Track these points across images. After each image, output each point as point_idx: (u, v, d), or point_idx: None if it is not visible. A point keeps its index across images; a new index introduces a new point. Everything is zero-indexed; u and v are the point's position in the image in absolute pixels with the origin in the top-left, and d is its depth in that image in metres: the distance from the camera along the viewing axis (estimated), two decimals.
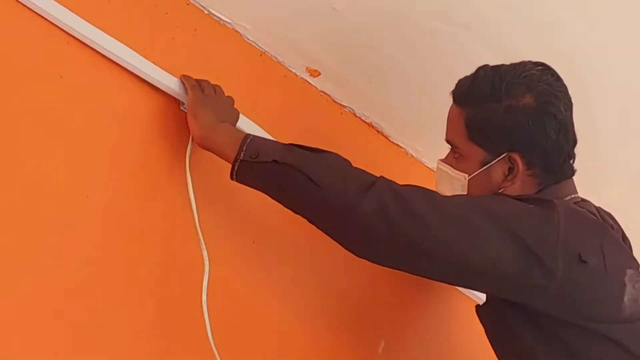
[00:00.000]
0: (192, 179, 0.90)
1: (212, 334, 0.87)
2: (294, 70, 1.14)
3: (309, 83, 1.17)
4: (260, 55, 1.09)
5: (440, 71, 1.12)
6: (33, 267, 0.76)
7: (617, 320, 0.85)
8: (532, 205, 0.86)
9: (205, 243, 0.88)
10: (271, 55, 1.10)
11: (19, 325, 0.74)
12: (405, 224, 0.81)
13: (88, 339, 0.81)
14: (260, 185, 0.88)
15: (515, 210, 0.85)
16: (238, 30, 1.04)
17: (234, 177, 0.86)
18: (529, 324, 0.87)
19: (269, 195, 0.88)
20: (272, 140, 0.92)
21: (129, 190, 0.89)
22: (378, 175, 0.85)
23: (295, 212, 0.88)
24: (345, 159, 0.87)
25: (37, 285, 0.76)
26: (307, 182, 0.83)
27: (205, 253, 0.88)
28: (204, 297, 0.87)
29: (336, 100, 1.21)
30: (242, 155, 0.84)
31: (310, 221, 0.88)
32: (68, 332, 0.79)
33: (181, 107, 0.92)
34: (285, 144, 0.88)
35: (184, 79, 0.91)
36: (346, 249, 0.87)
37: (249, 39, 1.06)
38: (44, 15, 0.78)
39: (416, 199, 0.83)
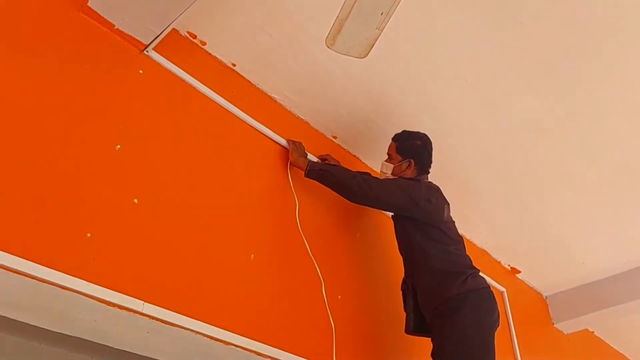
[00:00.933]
0: (291, 178, 2.37)
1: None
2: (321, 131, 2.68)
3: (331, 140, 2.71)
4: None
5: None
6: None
7: (442, 221, 2.29)
8: (413, 181, 2.33)
9: (297, 197, 2.32)
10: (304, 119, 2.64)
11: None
12: (367, 189, 2.24)
13: None
14: (316, 178, 2.29)
15: (405, 182, 2.29)
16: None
17: (306, 176, 2.30)
18: (413, 225, 2.28)
19: (319, 182, 2.32)
20: (318, 162, 2.41)
21: (263, 180, 2.36)
22: (355, 171, 2.34)
23: (330, 188, 2.31)
24: (344, 167, 2.36)
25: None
26: (332, 175, 2.27)
27: (296, 199, 2.32)
28: (299, 224, 2.33)
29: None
30: (308, 167, 2.30)
31: (335, 191, 2.30)
32: None
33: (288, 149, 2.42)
34: (323, 163, 2.38)
35: (289, 140, 2.41)
36: (349, 199, 2.29)
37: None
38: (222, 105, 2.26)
39: (370, 180, 2.30)
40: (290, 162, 2.35)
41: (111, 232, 1.65)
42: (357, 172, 2.31)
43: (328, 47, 1.53)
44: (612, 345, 4.67)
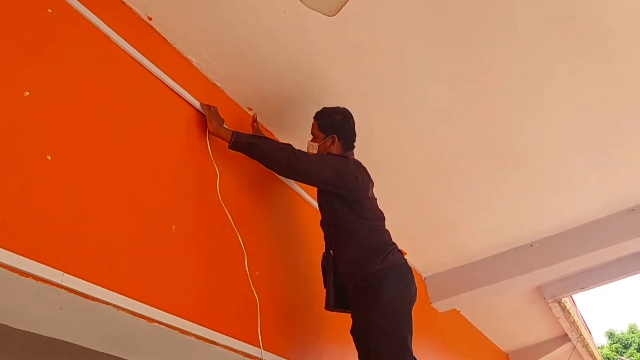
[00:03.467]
0: (210, 147, 2.18)
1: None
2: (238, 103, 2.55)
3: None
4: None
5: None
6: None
7: (367, 197, 2.28)
8: (340, 158, 2.29)
9: (217, 168, 2.13)
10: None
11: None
12: (296, 164, 2.14)
13: None
14: (242, 151, 2.15)
15: (333, 158, 2.25)
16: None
17: (230, 148, 2.14)
18: (339, 200, 2.23)
19: (245, 154, 2.17)
20: (243, 133, 2.23)
21: (180, 145, 2.14)
22: (283, 144, 2.24)
23: (256, 161, 2.18)
24: (271, 139, 2.25)
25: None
26: (260, 149, 2.14)
27: (217, 169, 2.12)
28: (219, 196, 2.15)
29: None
30: (233, 139, 2.13)
31: (262, 164, 2.19)
32: None
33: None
34: (249, 134, 2.23)
35: (203, 105, 2.24)
36: (276, 173, 2.23)
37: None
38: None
39: (300, 155, 2.18)
40: (209, 132, 2.19)
41: (23, 191, 1.40)
42: (286, 144, 2.23)
43: None
44: (473, 324, 5.11)
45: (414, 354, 2.03)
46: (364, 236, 2.18)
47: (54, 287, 1.37)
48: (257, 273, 2.06)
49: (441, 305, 4.33)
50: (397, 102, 2.66)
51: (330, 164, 2.21)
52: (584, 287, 4.66)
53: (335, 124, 2.34)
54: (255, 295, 1.95)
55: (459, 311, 4.80)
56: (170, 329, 1.67)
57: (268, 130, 2.69)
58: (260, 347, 1.84)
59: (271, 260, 2.26)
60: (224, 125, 2.22)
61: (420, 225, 3.66)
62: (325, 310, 2.23)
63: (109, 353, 1.74)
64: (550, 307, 4.86)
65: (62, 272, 1.39)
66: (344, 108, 2.40)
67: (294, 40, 2.26)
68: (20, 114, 1.48)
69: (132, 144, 1.85)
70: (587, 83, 2.69)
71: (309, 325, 2.34)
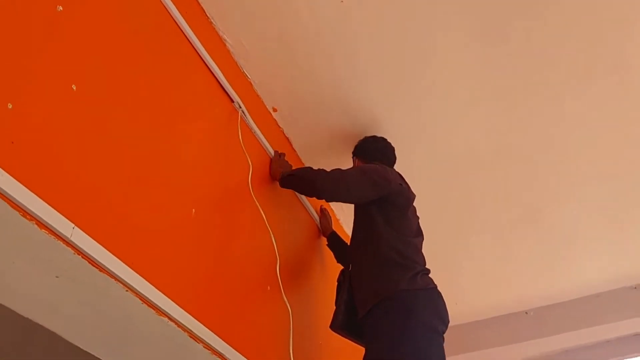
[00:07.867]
0: (242, 137, 1.90)
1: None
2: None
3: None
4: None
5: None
6: None
7: (409, 207, 2.07)
8: (378, 165, 2.06)
9: (250, 160, 1.88)
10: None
11: None
12: (339, 176, 1.93)
13: None
14: (287, 184, 2.01)
15: (369, 165, 2.05)
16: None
17: (281, 186, 2.00)
18: (378, 209, 1.99)
19: (292, 188, 2.05)
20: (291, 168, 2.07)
21: (206, 128, 1.87)
22: (329, 170, 1.97)
23: (301, 192, 2.08)
24: (312, 168, 2.01)
25: None
26: (301, 177, 1.95)
27: (249, 161, 1.86)
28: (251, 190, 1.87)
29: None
30: (280, 177, 1.99)
31: (307, 191, 2.01)
32: None
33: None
34: (294, 169, 2.05)
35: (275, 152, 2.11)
36: (319, 197, 1.97)
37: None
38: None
39: (337, 170, 1.96)
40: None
41: (39, 112, 1.09)
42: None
43: None
44: None
45: None
46: (391, 247, 1.91)
47: (60, 241, 1.04)
48: (288, 281, 1.73)
49: None
50: (428, 141, 2.49)
51: (369, 169, 2.04)
52: None
53: (360, 145, 2.30)
54: (288, 306, 1.61)
55: None
56: (179, 328, 1.33)
57: (287, 138, 2.45)
58: None
59: (303, 271, 1.95)
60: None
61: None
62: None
63: (93, 353, 1.37)
64: None
65: (73, 225, 1.06)
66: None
67: (343, 36, 2.06)
68: (52, 29, 1.20)
69: (156, 102, 1.55)
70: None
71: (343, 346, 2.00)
